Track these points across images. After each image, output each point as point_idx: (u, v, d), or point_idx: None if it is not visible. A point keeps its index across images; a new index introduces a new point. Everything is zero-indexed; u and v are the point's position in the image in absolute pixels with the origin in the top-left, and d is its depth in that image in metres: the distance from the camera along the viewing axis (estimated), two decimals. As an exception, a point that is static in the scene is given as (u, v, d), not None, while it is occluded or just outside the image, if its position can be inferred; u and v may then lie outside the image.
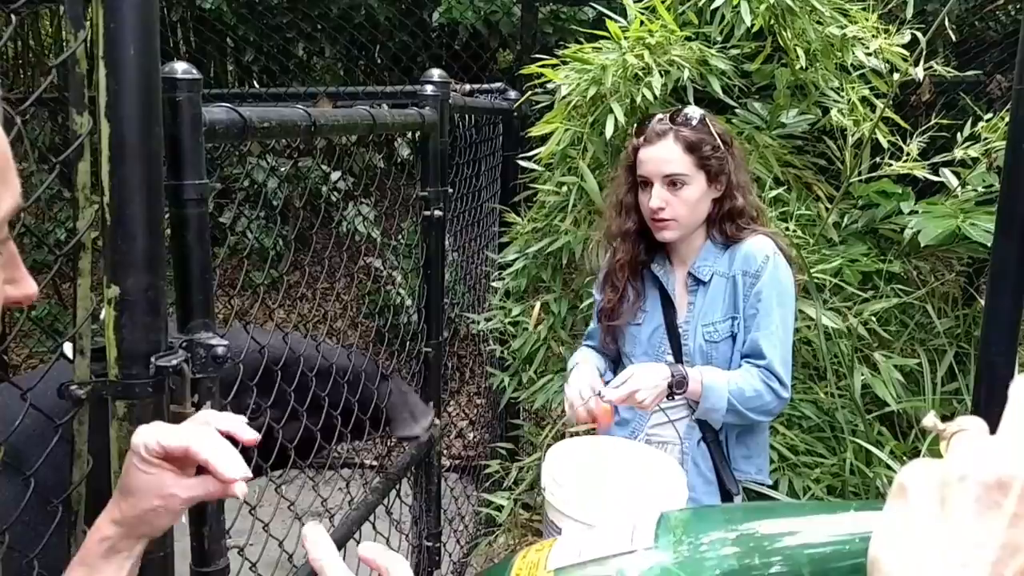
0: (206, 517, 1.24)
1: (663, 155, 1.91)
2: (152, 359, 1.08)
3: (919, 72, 2.50)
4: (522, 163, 2.97)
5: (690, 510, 0.83)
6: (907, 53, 2.55)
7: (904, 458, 2.62)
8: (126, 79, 1.02)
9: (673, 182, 1.91)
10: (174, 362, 1.09)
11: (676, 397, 1.88)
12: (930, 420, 0.55)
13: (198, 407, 1.17)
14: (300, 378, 1.58)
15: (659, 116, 1.98)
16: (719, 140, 1.92)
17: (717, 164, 1.92)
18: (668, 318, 2.01)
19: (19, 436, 1.17)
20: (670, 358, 1.99)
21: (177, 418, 1.15)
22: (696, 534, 0.75)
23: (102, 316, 1.10)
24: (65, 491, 1.15)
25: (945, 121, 2.73)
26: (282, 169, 3.87)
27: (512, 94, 3.51)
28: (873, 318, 2.64)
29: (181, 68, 1.16)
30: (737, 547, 0.72)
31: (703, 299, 1.96)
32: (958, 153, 2.68)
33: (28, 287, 0.61)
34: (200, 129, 1.18)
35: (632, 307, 2.06)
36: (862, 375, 2.67)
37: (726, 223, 1.96)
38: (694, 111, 1.96)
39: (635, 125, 2.08)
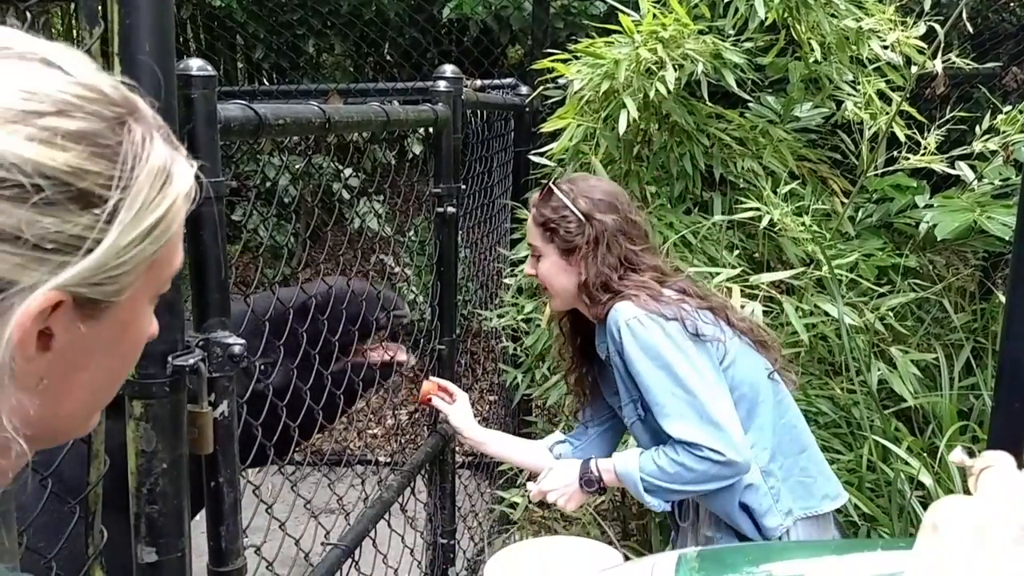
0: (223, 516, 1.24)
1: (528, 225, 1.93)
2: (169, 358, 1.07)
3: (937, 64, 2.48)
4: (534, 159, 2.95)
5: (710, 550, 0.80)
6: (924, 45, 2.52)
7: (921, 454, 2.60)
8: (142, 76, 1.01)
9: (534, 253, 1.90)
10: (191, 361, 1.09)
11: (603, 490, 1.87)
12: (958, 455, 0.54)
13: (215, 406, 1.17)
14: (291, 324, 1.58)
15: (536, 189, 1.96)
16: (574, 212, 1.81)
17: (565, 238, 1.81)
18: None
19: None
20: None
21: (194, 418, 1.15)
22: None
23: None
24: (82, 491, 1.15)
25: (964, 114, 2.70)
26: (297, 167, 3.86)
27: (523, 90, 3.49)
28: (890, 313, 2.62)
29: (196, 65, 1.15)
30: None
31: (616, 380, 1.88)
32: (977, 146, 2.65)
33: (155, 326, 0.64)
34: (215, 126, 1.17)
35: (601, 385, 2.01)
36: (878, 370, 2.64)
37: (592, 304, 1.81)
38: (554, 184, 1.88)
39: None
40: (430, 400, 2.11)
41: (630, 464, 1.77)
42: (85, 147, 0.51)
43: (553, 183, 1.89)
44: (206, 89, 1.15)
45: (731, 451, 1.66)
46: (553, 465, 1.95)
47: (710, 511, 1.87)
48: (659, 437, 1.77)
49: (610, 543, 2.16)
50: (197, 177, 0.59)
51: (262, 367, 1.55)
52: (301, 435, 1.63)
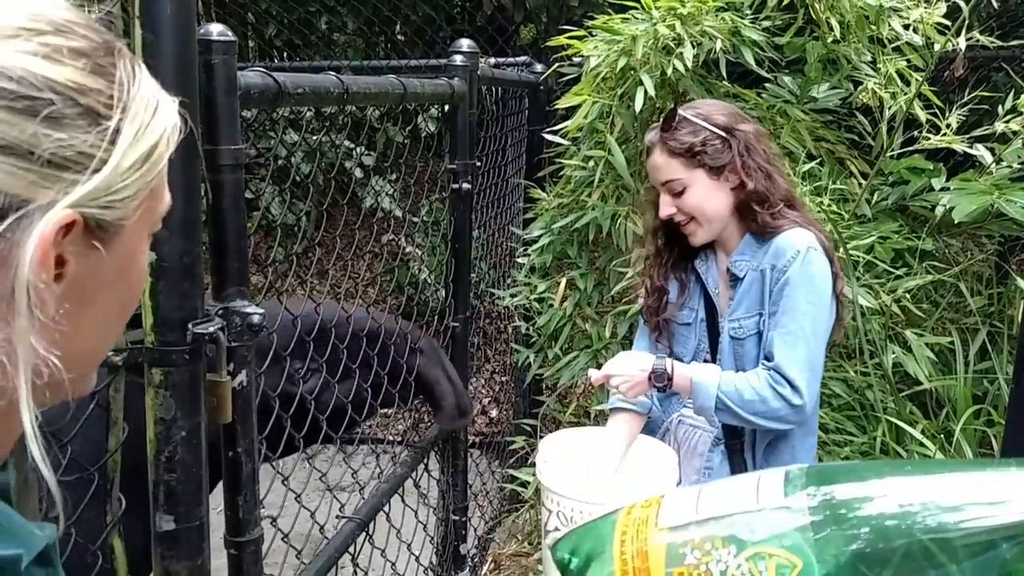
0: (241, 486, 1.24)
1: (656, 164, 1.88)
2: (189, 326, 1.07)
3: (961, 43, 2.44)
4: (548, 137, 2.93)
5: (816, 467, 0.77)
6: (948, 23, 2.49)
7: (935, 437, 2.59)
8: (163, 38, 1.00)
9: (672, 189, 1.86)
10: (211, 329, 1.08)
11: (666, 389, 1.86)
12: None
13: (233, 375, 1.16)
14: (333, 345, 1.57)
15: (653, 126, 1.93)
16: (714, 130, 1.82)
17: (714, 156, 1.81)
18: (709, 315, 1.96)
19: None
20: (708, 356, 1.94)
21: (213, 387, 1.14)
22: (830, 494, 0.69)
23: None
24: (99, 459, 1.14)
25: (986, 94, 2.66)
26: (315, 136, 3.84)
27: (538, 67, 3.47)
28: (906, 296, 2.60)
29: (216, 30, 1.14)
30: (880, 509, 0.67)
31: (738, 295, 1.89)
32: (999, 126, 2.62)
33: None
34: (235, 93, 1.16)
35: (676, 303, 1.99)
36: (893, 353, 2.63)
37: (755, 212, 1.82)
38: (681, 111, 1.87)
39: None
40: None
41: (710, 378, 1.80)
42: (85, 64, 0.53)
43: (680, 110, 1.87)
44: (226, 55, 1.14)
45: (809, 399, 1.75)
46: (622, 354, 1.92)
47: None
48: (752, 361, 1.84)
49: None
50: (181, 114, 0.60)
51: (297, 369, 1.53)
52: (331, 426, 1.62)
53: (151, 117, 0.57)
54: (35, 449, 0.51)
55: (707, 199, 1.84)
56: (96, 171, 0.53)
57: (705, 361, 1.93)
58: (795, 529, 0.69)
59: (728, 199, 1.85)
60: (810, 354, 1.75)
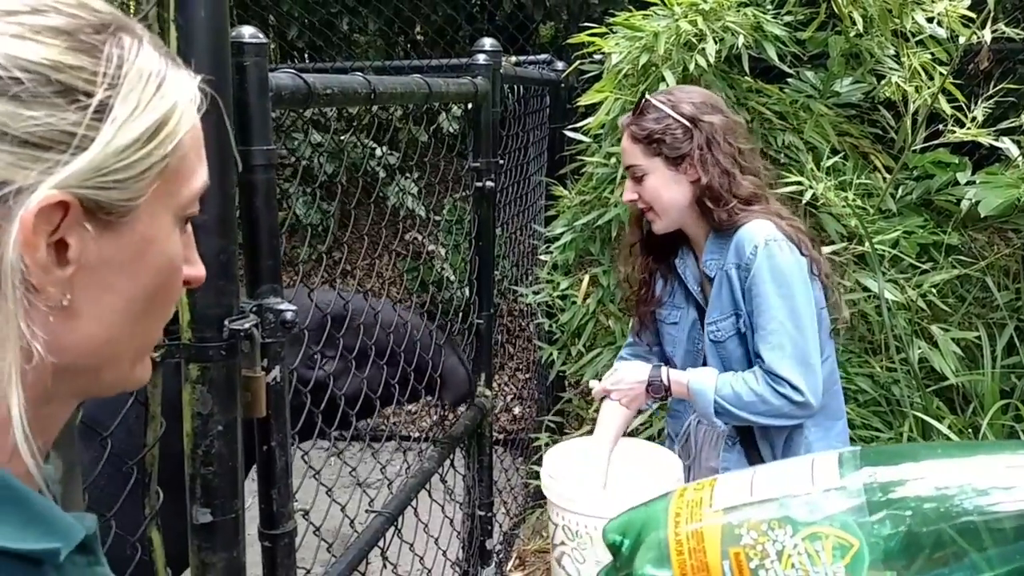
0: (275, 479, 1.26)
1: (623, 147, 1.85)
2: (225, 322, 1.09)
3: (986, 36, 2.42)
4: (570, 134, 2.94)
5: (871, 449, 0.77)
6: (973, 15, 2.47)
7: (963, 432, 2.57)
8: (196, 41, 1.02)
9: (633, 174, 1.84)
10: (246, 326, 1.10)
11: (666, 398, 1.87)
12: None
13: (267, 371, 1.19)
14: (359, 335, 1.60)
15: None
16: (678, 118, 1.76)
17: (673, 146, 1.76)
18: (698, 315, 1.93)
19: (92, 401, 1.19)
20: (705, 358, 1.91)
21: (248, 382, 1.16)
22: (883, 476, 0.69)
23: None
24: (135, 454, 1.17)
25: (1012, 86, 2.64)
26: (341, 137, 3.87)
27: (559, 65, 3.47)
28: (932, 290, 2.58)
29: (248, 32, 1.16)
30: (920, 491, 0.68)
31: (712, 296, 1.85)
32: (1025, 119, 2.60)
33: (200, 269, 0.65)
34: (267, 94, 1.18)
35: (659, 296, 1.97)
36: (919, 348, 2.62)
37: (712, 209, 1.76)
38: (650, 96, 1.84)
39: None
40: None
41: (706, 382, 1.77)
42: (63, 42, 0.51)
43: (649, 95, 1.83)
44: (258, 56, 1.16)
45: (811, 394, 1.69)
46: (620, 366, 1.94)
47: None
48: (746, 356, 1.79)
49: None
50: (202, 89, 0.59)
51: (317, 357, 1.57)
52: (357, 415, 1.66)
53: (153, 93, 0.54)
54: (20, 435, 0.50)
55: (664, 189, 1.79)
56: (83, 149, 0.51)
57: (704, 363, 1.89)
58: (851, 509, 0.69)
59: (687, 191, 1.79)
60: (798, 347, 1.70)
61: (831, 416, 1.88)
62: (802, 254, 1.74)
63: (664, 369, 1.85)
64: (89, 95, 0.51)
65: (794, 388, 1.69)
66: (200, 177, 0.60)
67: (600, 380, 1.96)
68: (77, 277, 0.53)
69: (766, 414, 1.73)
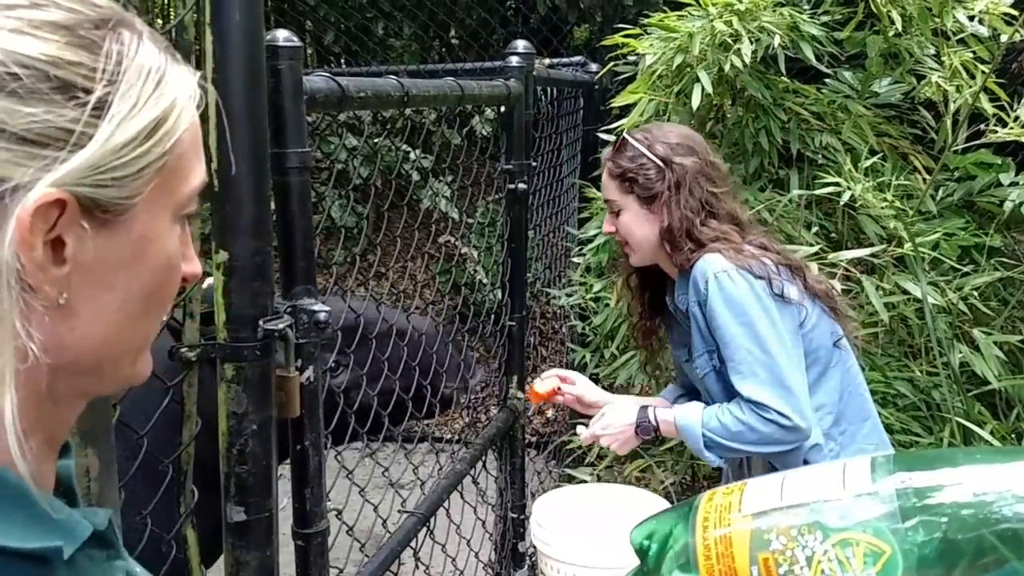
0: (308, 478, 1.27)
1: (603, 181, 1.88)
2: (260, 323, 1.10)
3: (1030, 33, 2.38)
4: (603, 136, 2.93)
5: (902, 454, 0.76)
6: (1015, 13, 2.42)
7: (1006, 438, 2.52)
8: (232, 45, 1.04)
9: (611, 208, 1.86)
10: (280, 326, 1.11)
11: (657, 438, 1.86)
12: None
13: (301, 371, 1.20)
14: (378, 343, 1.62)
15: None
16: (652, 158, 1.77)
17: (645, 186, 1.77)
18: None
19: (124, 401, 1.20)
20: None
21: (282, 382, 1.18)
22: (917, 481, 0.68)
23: (208, 281, 1.12)
24: (169, 453, 1.18)
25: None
26: (375, 140, 3.91)
27: (592, 67, 3.47)
28: (974, 293, 2.53)
29: (282, 36, 1.17)
30: (957, 498, 0.66)
31: (692, 332, 1.84)
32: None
33: (196, 266, 0.64)
34: (301, 97, 1.19)
35: (665, 336, 1.99)
36: (960, 353, 2.57)
37: (674, 251, 1.77)
38: (627, 134, 1.85)
39: None
40: (550, 398, 2.05)
41: (692, 418, 1.76)
42: (62, 37, 0.50)
43: (626, 133, 1.85)
44: (292, 60, 1.17)
45: (797, 416, 1.65)
46: (607, 410, 1.91)
47: (770, 463, 1.83)
48: (732, 391, 1.75)
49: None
50: (201, 86, 0.58)
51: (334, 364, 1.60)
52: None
53: (152, 90, 0.54)
54: (11, 435, 0.49)
55: (636, 226, 1.82)
56: (80, 147, 0.50)
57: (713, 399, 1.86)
58: (883, 515, 0.68)
59: (656, 230, 1.80)
60: (772, 372, 1.66)
61: (853, 420, 1.84)
62: (756, 276, 1.70)
63: (651, 409, 1.84)
64: (88, 92, 0.51)
65: (779, 414, 1.66)
66: (198, 175, 0.59)
67: (587, 426, 1.93)
68: (74, 276, 0.52)
69: (757, 442, 1.70)
